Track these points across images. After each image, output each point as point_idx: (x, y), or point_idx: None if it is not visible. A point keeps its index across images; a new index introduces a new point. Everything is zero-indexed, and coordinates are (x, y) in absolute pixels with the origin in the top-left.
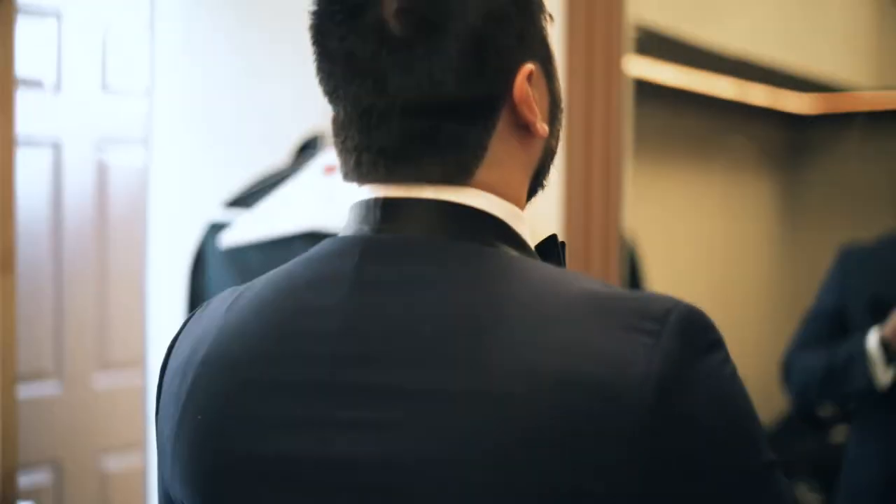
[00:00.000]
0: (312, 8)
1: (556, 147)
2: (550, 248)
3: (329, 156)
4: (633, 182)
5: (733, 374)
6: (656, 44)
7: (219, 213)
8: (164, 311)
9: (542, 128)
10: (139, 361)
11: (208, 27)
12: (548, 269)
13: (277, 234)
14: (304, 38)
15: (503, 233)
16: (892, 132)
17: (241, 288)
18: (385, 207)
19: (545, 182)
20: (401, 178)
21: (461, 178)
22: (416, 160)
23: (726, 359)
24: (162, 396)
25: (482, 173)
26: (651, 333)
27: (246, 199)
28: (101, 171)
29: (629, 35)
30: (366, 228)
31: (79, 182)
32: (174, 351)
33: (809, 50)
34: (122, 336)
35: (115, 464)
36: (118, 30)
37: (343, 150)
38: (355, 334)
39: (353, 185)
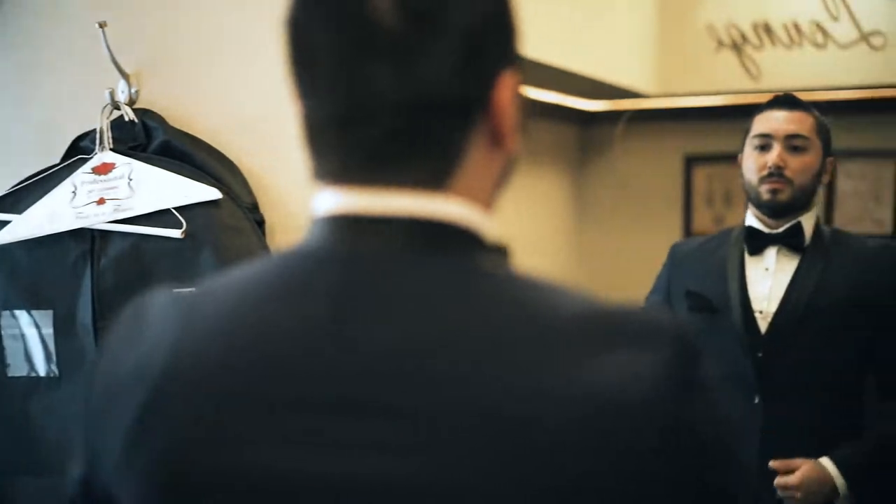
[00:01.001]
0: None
1: (517, 155)
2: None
3: (102, 155)
4: None
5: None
6: None
7: None
8: None
9: (513, 140)
10: None
11: None
12: (535, 284)
13: (47, 233)
14: (78, 40)
15: (481, 244)
16: (671, 134)
17: (187, 295)
18: (363, 218)
19: (504, 188)
20: (380, 181)
21: (440, 182)
22: (397, 162)
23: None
24: (96, 407)
25: (459, 179)
26: (656, 347)
27: (15, 197)
28: None
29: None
30: (342, 240)
31: None
32: (107, 360)
33: (598, 58)
34: None
35: None
36: None
37: (319, 151)
38: (346, 350)
39: (326, 187)
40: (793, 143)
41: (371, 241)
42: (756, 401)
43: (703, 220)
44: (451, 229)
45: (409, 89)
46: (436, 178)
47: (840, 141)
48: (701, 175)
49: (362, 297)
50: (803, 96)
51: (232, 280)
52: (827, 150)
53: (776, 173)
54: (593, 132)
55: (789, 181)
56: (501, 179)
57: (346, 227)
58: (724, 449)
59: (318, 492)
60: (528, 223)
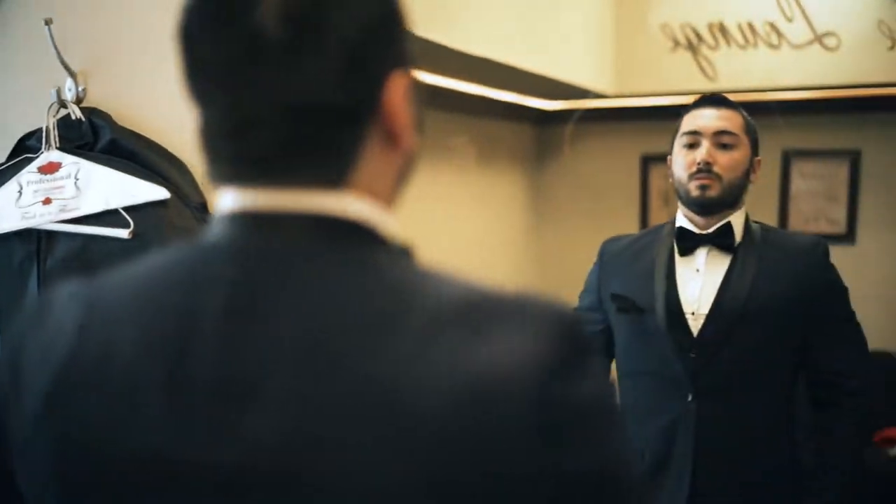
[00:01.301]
0: (182, 10)
1: (416, 153)
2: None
3: (48, 154)
4: None
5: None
6: None
7: None
8: None
9: (409, 139)
10: None
11: None
12: (422, 274)
13: None
14: (24, 37)
15: (378, 239)
16: (628, 134)
17: (91, 285)
18: (260, 216)
19: (405, 185)
20: (276, 184)
21: (336, 182)
22: (290, 166)
23: (593, 353)
24: (1, 395)
25: (355, 178)
26: (537, 332)
27: None
28: None
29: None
30: (240, 235)
31: None
32: (10, 349)
33: (555, 57)
34: None
35: None
36: None
37: (213, 157)
38: (241, 340)
39: (224, 190)
40: (721, 140)
41: (268, 235)
42: (689, 399)
43: (660, 219)
44: (347, 224)
45: (296, 97)
46: (331, 178)
47: (795, 141)
48: (658, 174)
49: (258, 289)
50: (758, 96)
51: (135, 271)
52: (755, 149)
53: (705, 169)
54: (551, 132)
55: (718, 177)
56: (401, 177)
57: (244, 222)
58: (605, 433)
59: (210, 478)
60: (487, 222)
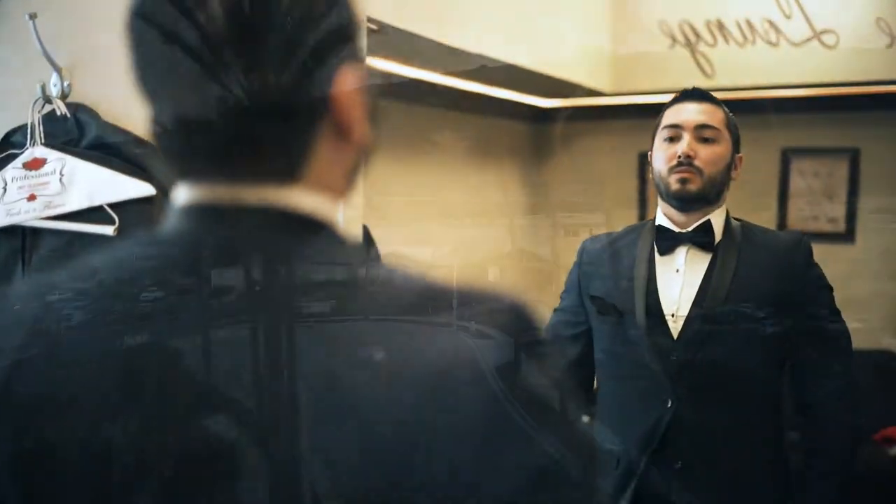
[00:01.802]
0: (128, 8)
1: (370, 144)
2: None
3: (33, 150)
4: (378, 176)
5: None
6: (394, 41)
7: None
8: None
9: (361, 131)
10: None
11: None
12: (375, 266)
13: None
14: (8, 32)
15: (330, 231)
16: (626, 131)
17: (44, 279)
18: (212, 209)
19: (359, 176)
20: (227, 179)
21: (287, 177)
22: (241, 162)
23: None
24: None
25: (308, 172)
26: (494, 321)
27: None
28: None
29: (364, 32)
30: (194, 229)
31: None
32: None
33: (552, 55)
34: None
35: None
36: None
37: (166, 153)
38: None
39: (179, 184)
40: (703, 135)
41: (220, 228)
42: (669, 404)
43: None
44: (298, 218)
45: (245, 94)
46: (282, 173)
47: (793, 139)
48: None
49: (213, 280)
50: (756, 94)
51: (93, 262)
52: (737, 145)
53: (686, 162)
54: (548, 130)
55: (699, 171)
56: (354, 168)
57: (198, 215)
58: (556, 426)
59: (170, 469)
60: (482, 220)
